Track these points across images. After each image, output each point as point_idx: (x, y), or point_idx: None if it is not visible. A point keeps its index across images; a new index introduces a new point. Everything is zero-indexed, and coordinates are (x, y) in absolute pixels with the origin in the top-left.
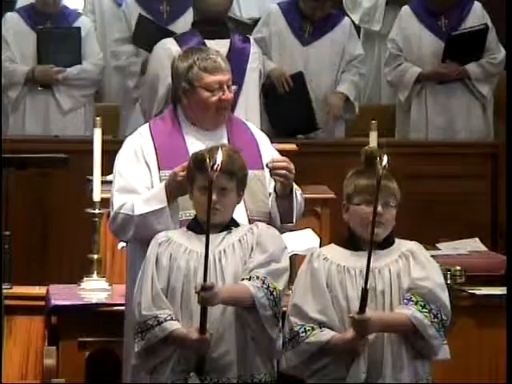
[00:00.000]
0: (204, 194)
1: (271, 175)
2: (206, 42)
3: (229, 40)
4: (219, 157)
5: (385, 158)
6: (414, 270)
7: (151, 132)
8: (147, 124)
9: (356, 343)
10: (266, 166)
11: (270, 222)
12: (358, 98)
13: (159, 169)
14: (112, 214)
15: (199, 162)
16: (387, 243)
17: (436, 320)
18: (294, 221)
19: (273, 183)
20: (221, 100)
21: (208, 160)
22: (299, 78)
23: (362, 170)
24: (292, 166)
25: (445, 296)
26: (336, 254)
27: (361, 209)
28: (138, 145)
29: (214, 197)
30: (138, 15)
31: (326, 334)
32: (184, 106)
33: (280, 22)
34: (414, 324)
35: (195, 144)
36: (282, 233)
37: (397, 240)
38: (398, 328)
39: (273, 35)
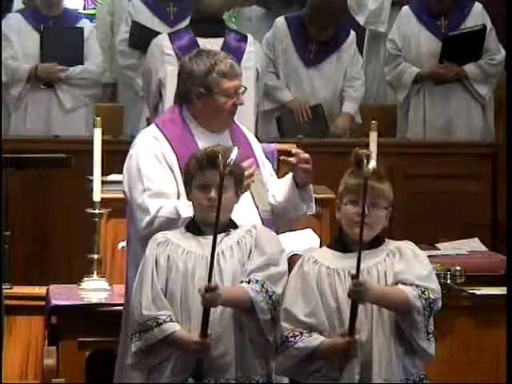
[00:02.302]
0: (203, 192)
1: (295, 170)
2: (199, 40)
3: (222, 39)
4: (234, 154)
5: (373, 162)
6: (397, 265)
7: (165, 135)
8: (154, 126)
9: (347, 347)
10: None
11: (277, 216)
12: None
13: (182, 173)
14: (148, 218)
15: (212, 159)
16: (376, 244)
17: (424, 296)
18: (314, 210)
19: (271, 180)
20: (234, 104)
21: (221, 157)
22: (318, 109)
23: (355, 170)
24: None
25: (430, 283)
26: (326, 256)
27: (347, 208)
28: (158, 149)
29: (213, 194)
30: (131, 22)
31: (315, 340)
32: (195, 109)
33: (286, 40)
34: (406, 297)
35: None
36: (278, 233)
37: (387, 241)
38: (392, 299)
39: (280, 52)
